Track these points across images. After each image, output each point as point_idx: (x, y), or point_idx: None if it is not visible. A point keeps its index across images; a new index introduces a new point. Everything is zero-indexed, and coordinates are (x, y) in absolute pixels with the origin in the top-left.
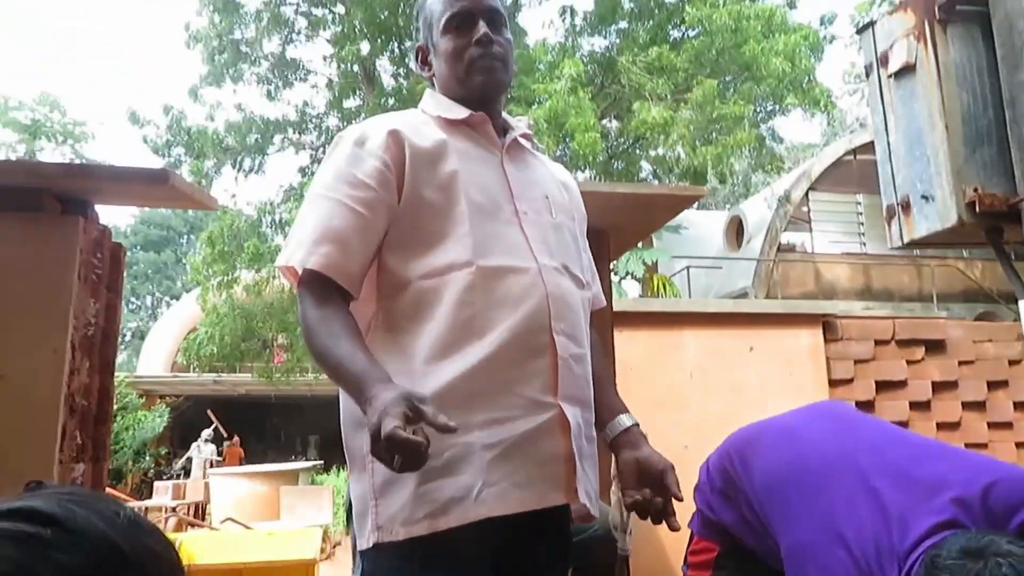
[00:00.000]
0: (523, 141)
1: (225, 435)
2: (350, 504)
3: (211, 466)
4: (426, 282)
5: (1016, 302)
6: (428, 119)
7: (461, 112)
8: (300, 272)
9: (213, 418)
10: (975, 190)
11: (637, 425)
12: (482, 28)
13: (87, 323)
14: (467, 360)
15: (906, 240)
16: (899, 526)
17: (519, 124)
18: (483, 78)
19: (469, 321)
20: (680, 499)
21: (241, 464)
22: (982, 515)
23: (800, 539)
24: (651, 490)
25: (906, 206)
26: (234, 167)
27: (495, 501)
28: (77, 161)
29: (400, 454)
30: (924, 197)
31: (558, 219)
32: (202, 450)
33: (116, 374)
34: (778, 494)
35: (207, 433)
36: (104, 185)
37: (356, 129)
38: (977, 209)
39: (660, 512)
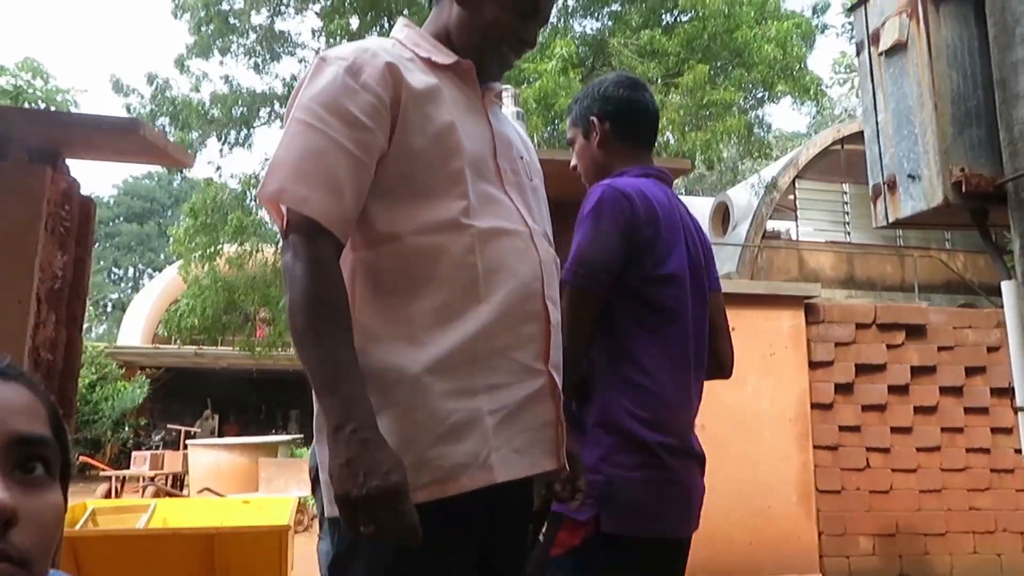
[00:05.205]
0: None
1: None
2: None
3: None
4: (419, 239)
5: (997, 293)
6: (413, 56)
7: (449, 56)
8: (289, 213)
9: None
10: (962, 170)
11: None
12: (538, 25)
13: (54, 276)
14: (468, 325)
15: (891, 219)
16: None
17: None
18: (503, 61)
19: (470, 286)
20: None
21: None
22: None
23: None
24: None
25: (892, 185)
26: (219, 139)
27: (500, 467)
28: None
29: (391, 523)
30: (911, 176)
31: (534, 182)
32: (203, 426)
33: (97, 344)
34: None
35: (208, 412)
36: (72, 134)
37: (345, 54)
38: (963, 189)
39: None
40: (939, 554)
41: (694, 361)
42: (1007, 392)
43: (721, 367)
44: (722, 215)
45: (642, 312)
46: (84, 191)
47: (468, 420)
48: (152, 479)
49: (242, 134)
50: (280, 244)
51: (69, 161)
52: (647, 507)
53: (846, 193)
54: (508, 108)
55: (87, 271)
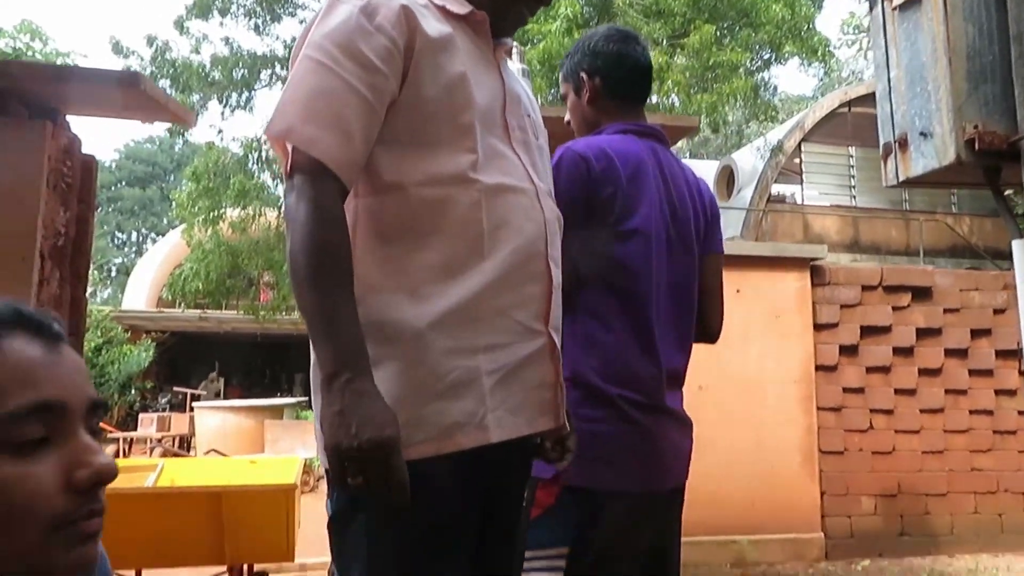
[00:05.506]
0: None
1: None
2: None
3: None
4: (425, 190)
5: (1002, 257)
6: (427, 3)
7: (463, 6)
8: (294, 153)
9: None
10: (975, 127)
11: None
12: None
13: (57, 233)
14: (471, 282)
15: (901, 178)
16: None
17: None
18: (517, 16)
19: (475, 241)
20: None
21: None
22: None
23: None
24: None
25: (903, 143)
26: (220, 102)
27: (495, 427)
28: None
29: (381, 477)
30: (923, 134)
31: (540, 140)
32: (209, 389)
33: (102, 308)
34: None
35: (214, 375)
36: (72, 88)
37: None
38: (976, 147)
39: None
40: (940, 514)
41: (664, 317)
42: (1012, 354)
43: (707, 332)
44: (727, 179)
45: (603, 268)
46: (86, 150)
47: (466, 379)
48: (159, 441)
49: (243, 97)
50: (283, 201)
51: (70, 122)
52: (609, 460)
53: (852, 156)
54: (514, 65)
55: (90, 229)
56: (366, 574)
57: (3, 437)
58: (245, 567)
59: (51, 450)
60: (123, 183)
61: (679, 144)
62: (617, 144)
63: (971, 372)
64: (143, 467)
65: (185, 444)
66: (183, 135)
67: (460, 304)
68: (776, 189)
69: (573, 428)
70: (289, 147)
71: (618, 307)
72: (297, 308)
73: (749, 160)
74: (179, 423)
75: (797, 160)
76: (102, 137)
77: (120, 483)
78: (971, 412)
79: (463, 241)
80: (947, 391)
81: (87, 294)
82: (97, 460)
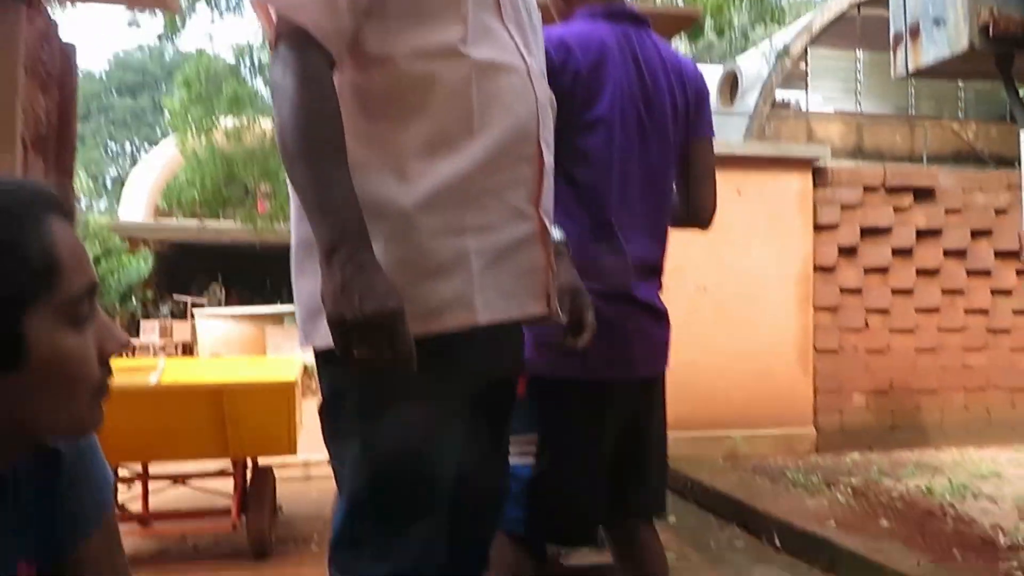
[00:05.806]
0: None
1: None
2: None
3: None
4: (413, 64)
5: (1008, 164)
6: None
7: None
8: (279, 22)
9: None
10: (990, 12)
11: (563, 242)
12: None
13: (38, 120)
14: (461, 160)
15: (911, 69)
16: None
17: None
18: None
19: (465, 118)
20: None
21: None
22: None
23: None
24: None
25: (915, 32)
26: (209, 5)
27: (484, 309)
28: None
29: (388, 347)
30: (936, 22)
31: (533, 20)
32: (211, 298)
33: (100, 218)
34: None
35: (215, 284)
36: None
37: None
38: (990, 34)
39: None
40: (930, 410)
41: (634, 207)
42: (1011, 255)
43: (699, 218)
44: (730, 84)
45: (563, 158)
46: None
47: (454, 259)
48: (162, 348)
49: (232, 0)
50: (270, 66)
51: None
52: (572, 350)
53: (860, 61)
54: None
55: (72, 119)
56: (360, 452)
57: (71, 313)
58: (249, 460)
59: (88, 326)
60: (114, 92)
61: (683, 48)
62: (580, 32)
63: (969, 272)
64: (145, 367)
65: (188, 351)
66: (173, 40)
67: (448, 183)
68: (780, 95)
69: (589, 302)
70: (273, 15)
71: (577, 198)
72: (289, 183)
73: (754, 65)
74: (181, 330)
75: (803, 65)
76: (90, 47)
77: (124, 381)
78: (966, 311)
79: (452, 118)
80: (944, 291)
81: (74, 187)
82: (121, 334)
